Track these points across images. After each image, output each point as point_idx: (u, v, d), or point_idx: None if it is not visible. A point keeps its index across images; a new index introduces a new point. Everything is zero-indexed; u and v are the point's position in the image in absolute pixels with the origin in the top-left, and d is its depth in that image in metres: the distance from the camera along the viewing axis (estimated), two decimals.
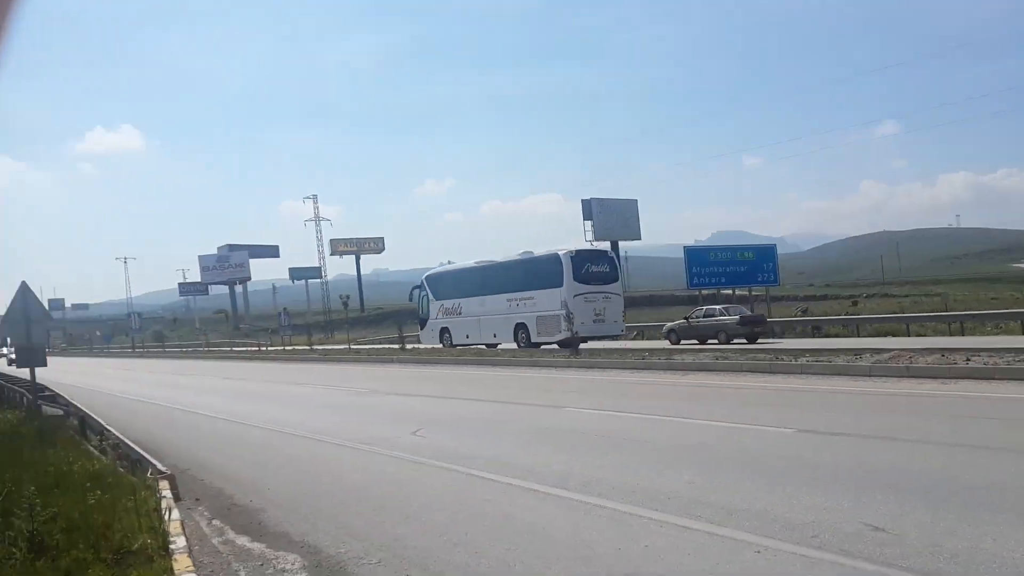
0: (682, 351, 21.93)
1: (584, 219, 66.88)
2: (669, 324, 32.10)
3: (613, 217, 68.30)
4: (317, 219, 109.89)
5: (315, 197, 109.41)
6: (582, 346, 23.66)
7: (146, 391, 25.45)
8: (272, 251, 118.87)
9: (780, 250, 46.18)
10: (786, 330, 33.81)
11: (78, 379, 34.53)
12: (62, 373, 39.19)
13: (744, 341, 27.32)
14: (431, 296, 36.37)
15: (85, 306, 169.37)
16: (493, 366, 23.79)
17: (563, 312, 28.58)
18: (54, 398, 17.70)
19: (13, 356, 33.03)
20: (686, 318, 31.07)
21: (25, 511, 5.96)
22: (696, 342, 28.85)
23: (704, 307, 31.47)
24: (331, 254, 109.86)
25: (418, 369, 25.65)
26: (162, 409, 19.14)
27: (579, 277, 29.00)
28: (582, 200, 67.79)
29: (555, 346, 28.44)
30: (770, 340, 28.66)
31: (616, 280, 30.66)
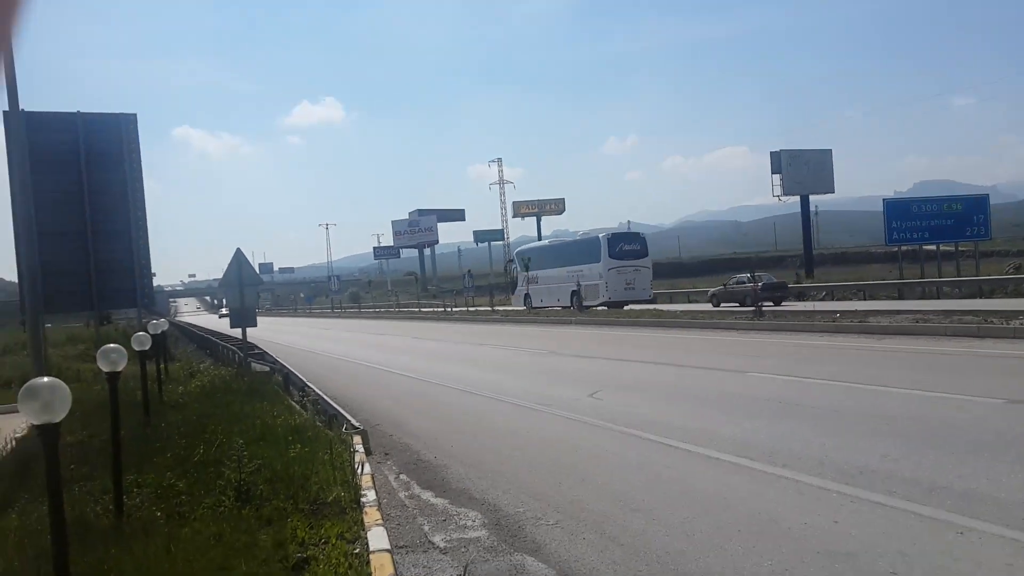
0: (877, 313, 20.55)
1: (772, 172, 63.94)
2: (712, 289, 37.43)
3: (804, 169, 64.79)
4: (501, 182, 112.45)
5: (499, 160, 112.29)
6: (766, 308, 22.75)
7: (342, 349, 27.07)
8: (458, 215, 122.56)
9: (993, 200, 42.09)
10: (995, 289, 31.00)
11: (282, 337, 37.29)
12: (269, 332, 42.46)
13: (772, 304, 30.84)
14: (519, 268, 45.45)
15: (291, 269, 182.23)
16: (672, 328, 23.39)
17: (601, 282, 36.69)
18: (262, 356, 19.16)
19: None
20: (724, 284, 36.41)
21: (234, 462, 6.47)
22: (737, 304, 32.18)
23: (737, 276, 36.50)
24: (513, 216, 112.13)
25: (596, 331, 25.66)
26: (356, 366, 20.29)
27: (613, 254, 36.91)
28: (771, 152, 64.65)
29: (604, 307, 34.77)
30: (791, 303, 31.30)
31: (645, 256, 38.11)
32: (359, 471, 7.10)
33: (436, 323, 41.47)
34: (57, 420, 3.77)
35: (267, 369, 16.81)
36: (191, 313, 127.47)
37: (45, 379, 3.78)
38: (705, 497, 6.27)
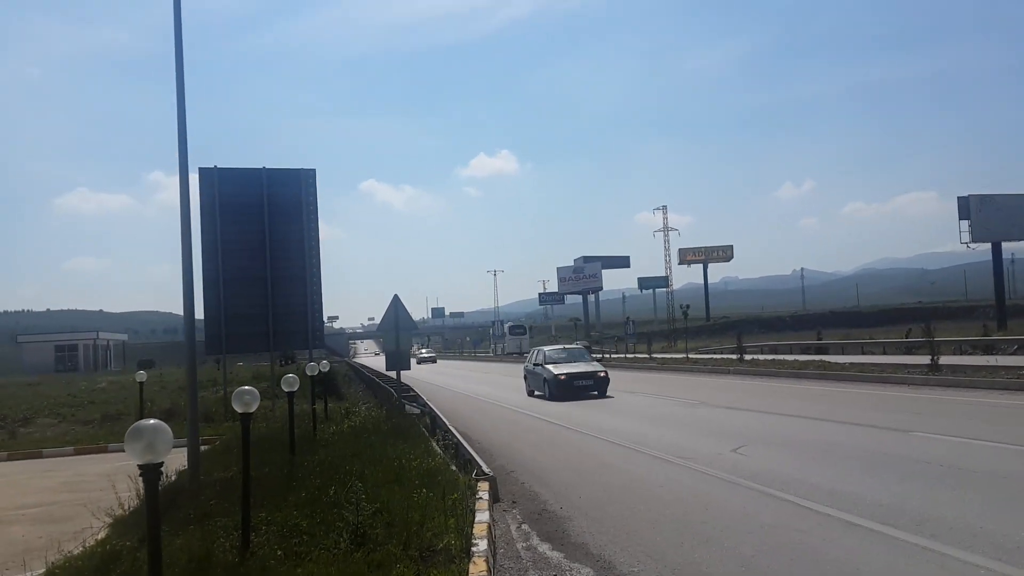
0: None
1: (960, 218, 59.67)
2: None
3: (996, 215, 59.95)
4: (665, 229, 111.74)
5: (664, 208, 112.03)
6: (943, 361, 20.94)
7: (495, 392, 27.43)
8: (623, 261, 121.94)
9: None
10: None
11: (443, 379, 38.25)
12: (431, 374, 43.63)
13: None
14: (500, 335, 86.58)
15: (461, 314, 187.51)
16: (838, 381, 22.02)
17: (506, 343, 77.53)
18: (415, 398, 19.67)
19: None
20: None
21: (352, 505, 6.63)
22: None
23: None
24: (679, 263, 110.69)
25: (755, 382, 24.60)
26: (503, 410, 20.46)
27: (511, 332, 78.10)
28: (958, 197, 60.32)
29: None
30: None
31: (525, 333, 77.34)
32: (476, 519, 7.09)
33: None
34: (159, 461, 3.96)
35: (417, 411, 17.22)
36: (369, 355, 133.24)
37: (151, 421, 4.00)
38: (835, 567, 5.81)
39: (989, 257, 61.39)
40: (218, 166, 22.48)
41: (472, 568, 5.72)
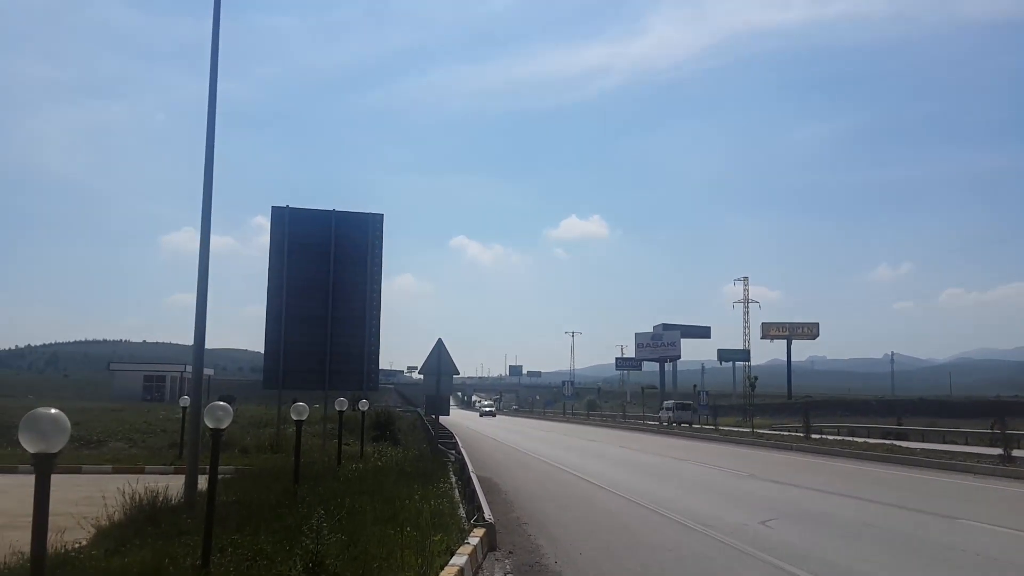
0: None
1: None
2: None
3: None
4: (746, 301, 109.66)
5: (745, 279, 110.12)
6: (1017, 453, 19.50)
7: (546, 449, 26.93)
8: (704, 332, 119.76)
9: None
10: None
11: (502, 434, 37.85)
12: (496, 429, 43.23)
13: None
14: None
15: (538, 373, 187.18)
16: (901, 465, 20.58)
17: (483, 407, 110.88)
18: (454, 445, 19.37)
19: (485, 407, 46.77)
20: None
21: (314, 533, 6.40)
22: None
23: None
24: (761, 337, 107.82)
25: (815, 459, 23.35)
26: (548, 466, 19.98)
27: (485, 405, 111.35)
28: None
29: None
30: None
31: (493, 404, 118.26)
32: (449, 561, 6.76)
33: (653, 436, 40.13)
34: (53, 451, 3.75)
35: (452, 457, 16.96)
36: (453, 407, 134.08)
37: (52, 410, 3.79)
38: None
39: None
40: (290, 206, 23.01)
41: None
